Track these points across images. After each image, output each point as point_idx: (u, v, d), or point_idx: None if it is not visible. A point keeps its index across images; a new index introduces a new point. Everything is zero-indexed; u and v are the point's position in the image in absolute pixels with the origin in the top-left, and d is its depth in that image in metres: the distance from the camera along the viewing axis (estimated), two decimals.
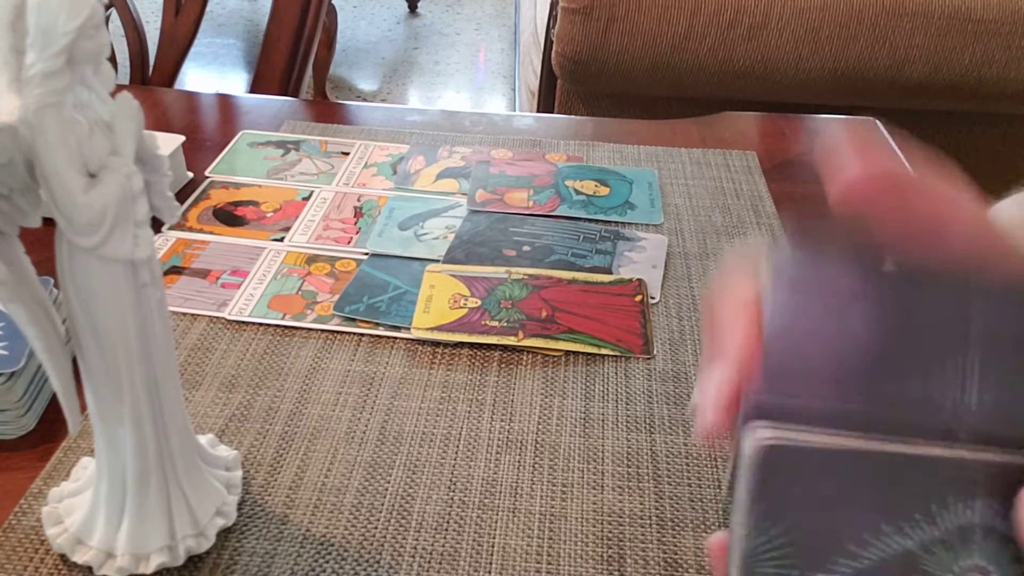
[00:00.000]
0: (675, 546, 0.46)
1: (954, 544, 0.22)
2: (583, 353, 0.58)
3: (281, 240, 0.67)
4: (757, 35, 1.37)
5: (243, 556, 0.44)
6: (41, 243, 0.38)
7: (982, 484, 0.22)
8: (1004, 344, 0.23)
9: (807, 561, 0.23)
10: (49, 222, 0.36)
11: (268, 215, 0.70)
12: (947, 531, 0.22)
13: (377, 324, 0.59)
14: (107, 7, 1.01)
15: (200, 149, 0.79)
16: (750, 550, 0.23)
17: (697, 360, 0.58)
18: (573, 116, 1.21)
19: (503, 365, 0.57)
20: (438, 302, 0.61)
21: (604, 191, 0.75)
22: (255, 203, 0.72)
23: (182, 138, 0.73)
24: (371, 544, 0.45)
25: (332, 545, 0.45)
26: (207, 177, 0.75)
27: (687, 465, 0.50)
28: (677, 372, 0.57)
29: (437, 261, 0.65)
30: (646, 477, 0.49)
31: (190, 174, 0.75)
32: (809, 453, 0.23)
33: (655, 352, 0.58)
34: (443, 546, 0.45)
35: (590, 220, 0.71)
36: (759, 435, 0.23)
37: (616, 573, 0.44)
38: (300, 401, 0.53)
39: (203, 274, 0.63)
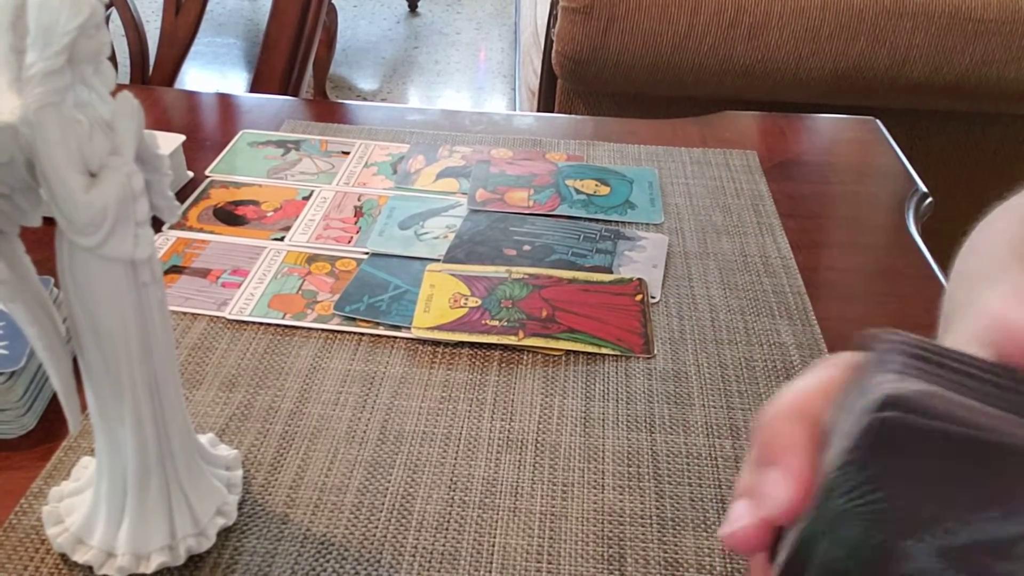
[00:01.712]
0: (675, 546, 0.46)
1: None
2: (583, 353, 0.58)
3: (281, 240, 0.67)
4: (758, 34, 1.37)
5: (244, 555, 0.44)
6: (41, 243, 0.38)
7: None
8: None
9: (897, 528, 0.22)
10: (49, 222, 0.36)
11: (268, 214, 0.70)
12: None
13: (377, 324, 0.59)
14: (107, 7, 1.01)
15: (200, 149, 0.79)
16: (843, 510, 0.23)
17: (698, 359, 0.58)
18: (573, 116, 1.21)
19: (503, 365, 0.57)
20: (438, 301, 0.61)
21: (604, 190, 0.75)
22: (255, 202, 0.72)
23: (182, 137, 0.73)
24: (371, 543, 0.45)
25: (332, 544, 0.45)
26: (207, 176, 0.75)
27: (687, 465, 0.50)
28: (677, 371, 0.57)
29: (437, 260, 0.65)
30: (646, 477, 0.49)
31: (190, 173, 0.75)
32: (928, 433, 0.22)
33: (655, 351, 0.58)
34: (443, 545, 0.45)
35: (590, 219, 0.71)
36: (886, 393, 0.22)
37: (616, 573, 0.44)
38: (300, 401, 0.53)
39: (203, 273, 0.63)
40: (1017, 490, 0.22)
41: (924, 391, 0.22)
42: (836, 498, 0.23)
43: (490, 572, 0.44)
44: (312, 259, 0.65)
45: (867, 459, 0.22)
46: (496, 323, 0.59)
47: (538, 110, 1.67)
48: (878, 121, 0.89)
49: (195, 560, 0.43)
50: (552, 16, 1.48)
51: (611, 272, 0.65)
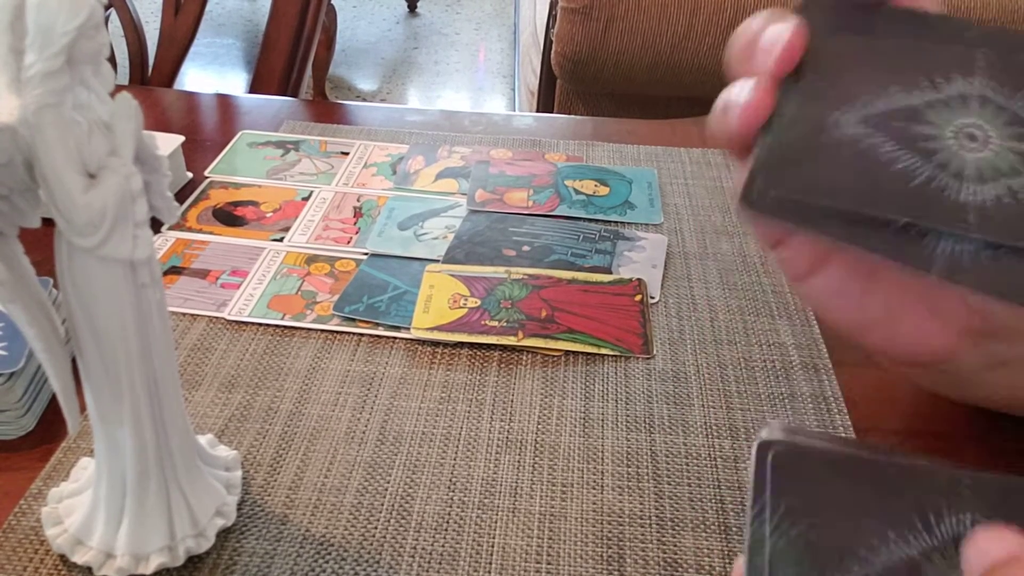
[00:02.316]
0: (675, 546, 0.46)
1: (950, 554, 0.23)
2: (583, 353, 0.58)
3: (281, 240, 0.67)
4: None
5: (243, 556, 0.44)
6: (41, 243, 0.38)
7: (969, 499, 0.24)
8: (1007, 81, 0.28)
9: (823, 564, 0.24)
10: (49, 222, 0.36)
11: (268, 215, 0.70)
12: (943, 541, 0.24)
13: (377, 324, 0.59)
14: (106, 7, 1.01)
15: (200, 149, 0.79)
16: (772, 552, 0.24)
17: (697, 360, 0.58)
18: (573, 116, 1.21)
19: (503, 365, 0.57)
20: (438, 302, 0.61)
21: (604, 191, 0.75)
22: (255, 203, 0.72)
23: (182, 138, 0.73)
24: (371, 544, 0.45)
25: (332, 545, 0.45)
26: (207, 177, 0.75)
27: (687, 465, 0.50)
28: (677, 372, 0.57)
29: (437, 261, 0.65)
30: (646, 477, 0.49)
31: (190, 174, 0.75)
32: (816, 456, 0.25)
33: (655, 352, 0.58)
34: (443, 546, 0.45)
35: (590, 220, 0.71)
36: (769, 443, 0.25)
37: (616, 573, 0.44)
38: (300, 401, 0.53)
39: (203, 274, 0.63)
40: (900, 506, 0.24)
41: (795, 433, 0.26)
42: (765, 544, 0.25)
43: (489, 572, 0.44)
44: (311, 260, 0.65)
45: (779, 491, 0.25)
46: (495, 323, 0.59)
47: (537, 110, 1.67)
48: None
49: (194, 561, 0.43)
50: (551, 16, 1.48)
51: (610, 272, 0.65)
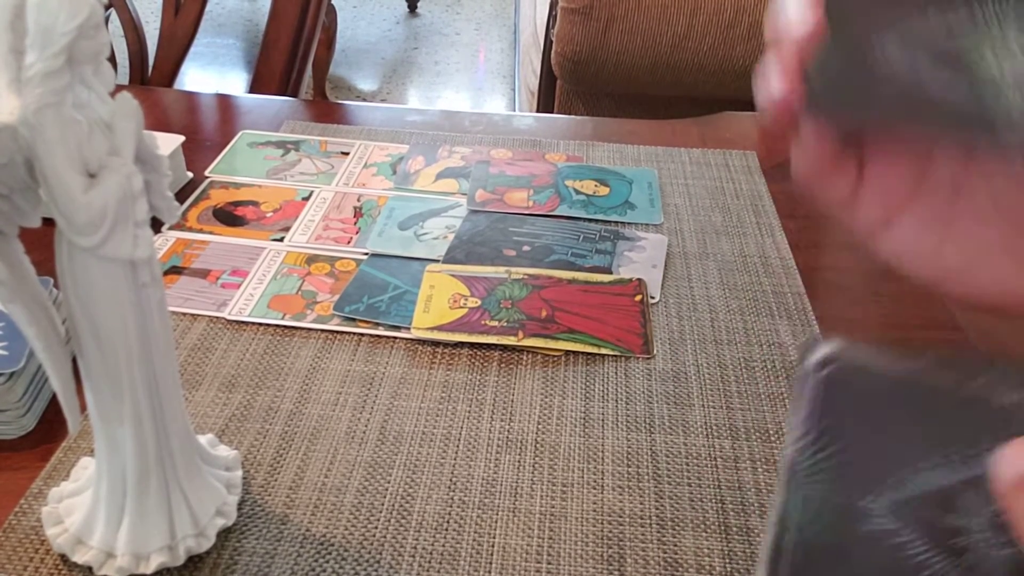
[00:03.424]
0: (675, 546, 0.46)
1: (985, 489, 0.23)
2: (583, 353, 0.58)
3: (281, 240, 0.67)
4: (757, 34, 1.37)
5: (243, 556, 0.44)
6: (41, 243, 0.38)
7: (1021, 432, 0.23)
8: None
9: (854, 485, 0.24)
10: (49, 222, 0.36)
11: (268, 215, 0.70)
12: (981, 475, 0.23)
13: (377, 324, 0.59)
14: (106, 7, 1.01)
15: (200, 149, 0.79)
16: (802, 467, 0.24)
17: (697, 360, 0.58)
18: (573, 116, 1.21)
19: (503, 365, 0.57)
20: (438, 302, 0.61)
21: (604, 191, 0.75)
22: (255, 203, 0.72)
23: (182, 138, 0.73)
24: (371, 544, 0.45)
25: (332, 545, 0.45)
26: (207, 177, 0.75)
27: (687, 465, 0.50)
28: (677, 372, 0.57)
29: (437, 261, 0.65)
30: (646, 477, 0.49)
31: (190, 174, 0.75)
32: (871, 376, 0.24)
33: (655, 352, 0.58)
34: (443, 546, 0.45)
35: (590, 220, 0.71)
36: (824, 353, 0.24)
37: (616, 573, 0.44)
38: (300, 401, 0.53)
39: (203, 274, 0.63)
40: (951, 434, 0.23)
41: (855, 347, 0.25)
42: (801, 464, 0.25)
43: (490, 572, 0.44)
44: (312, 259, 0.65)
45: (820, 415, 0.24)
46: (496, 323, 0.59)
47: (537, 110, 1.67)
48: None
49: (194, 560, 0.43)
50: (551, 16, 1.48)
51: (611, 272, 0.65)
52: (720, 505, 0.48)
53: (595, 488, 0.49)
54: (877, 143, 0.32)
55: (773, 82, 0.30)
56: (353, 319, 0.59)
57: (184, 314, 0.60)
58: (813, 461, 0.24)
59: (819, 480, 0.24)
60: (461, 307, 0.60)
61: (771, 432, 0.52)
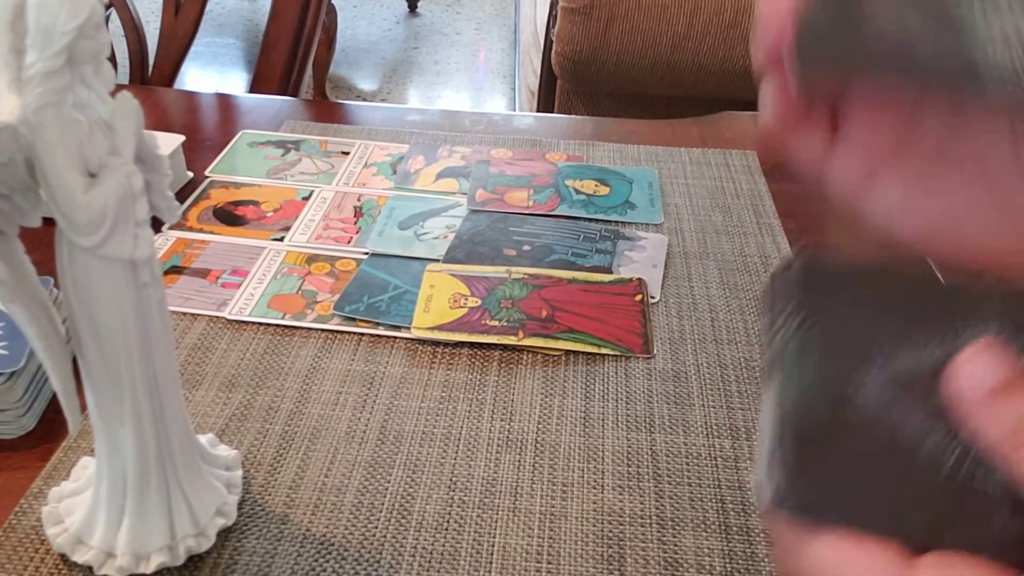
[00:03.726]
0: (675, 546, 0.46)
1: None
2: (583, 353, 0.58)
3: (281, 240, 0.67)
4: None
5: (243, 556, 0.44)
6: (41, 243, 0.38)
7: (998, 313, 0.24)
8: None
9: (845, 359, 0.25)
10: (49, 222, 0.36)
11: (268, 215, 0.70)
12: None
13: (377, 324, 0.59)
14: (107, 7, 1.01)
15: (200, 149, 0.79)
16: (797, 351, 0.25)
17: (697, 359, 0.58)
18: (573, 116, 1.21)
19: (503, 365, 0.57)
20: (438, 302, 0.61)
21: (604, 191, 0.75)
22: (255, 203, 0.72)
23: (182, 138, 0.73)
24: (371, 544, 0.45)
25: (332, 544, 0.45)
26: (207, 177, 0.75)
27: (687, 465, 0.50)
28: (677, 372, 0.57)
29: (437, 261, 0.65)
30: (646, 477, 0.49)
31: (190, 174, 0.75)
32: (841, 268, 0.26)
33: (655, 352, 0.58)
34: (443, 546, 0.45)
35: (590, 220, 0.71)
36: (800, 251, 0.26)
37: (616, 573, 0.44)
38: (300, 401, 0.53)
39: (203, 274, 0.63)
40: (930, 313, 0.25)
41: (827, 246, 0.26)
42: (788, 345, 0.25)
43: (490, 572, 0.44)
44: (312, 259, 0.65)
45: (801, 300, 0.25)
46: (496, 323, 0.59)
47: (538, 110, 1.67)
48: None
49: (195, 560, 0.43)
50: (552, 16, 1.48)
51: (611, 272, 0.65)
52: (720, 505, 0.48)
53: (595, 488, 0.49)
54: (861, 99, 0.32)
55: (764, 32, 0.30)
56: (353, 319, 0.59)
57: (184, 314, 0.60)
58: (800, 341, 0.25)
59: (810, 359, 0.25)
60: (461, 307, 0.60)
61: None
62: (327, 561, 0.44)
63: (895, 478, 0.24)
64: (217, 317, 0.59)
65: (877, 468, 0.24)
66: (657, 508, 0.47)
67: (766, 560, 0.45)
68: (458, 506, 0.47)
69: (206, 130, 0.84)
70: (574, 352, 0.58)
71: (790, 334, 0.25)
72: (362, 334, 0.59)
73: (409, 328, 0.58)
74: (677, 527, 0.46)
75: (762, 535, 0.46)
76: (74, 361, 0.39)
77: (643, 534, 0.46)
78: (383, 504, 0.47)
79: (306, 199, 0.72)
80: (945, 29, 0.25)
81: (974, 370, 0.23)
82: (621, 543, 0.46)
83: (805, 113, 0.32)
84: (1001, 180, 0.29)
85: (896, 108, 0.32)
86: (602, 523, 0.47)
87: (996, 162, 0.30)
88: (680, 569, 0.44)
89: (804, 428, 0.25)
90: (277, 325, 0.59)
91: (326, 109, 0.92)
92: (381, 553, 0.44)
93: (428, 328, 0.58)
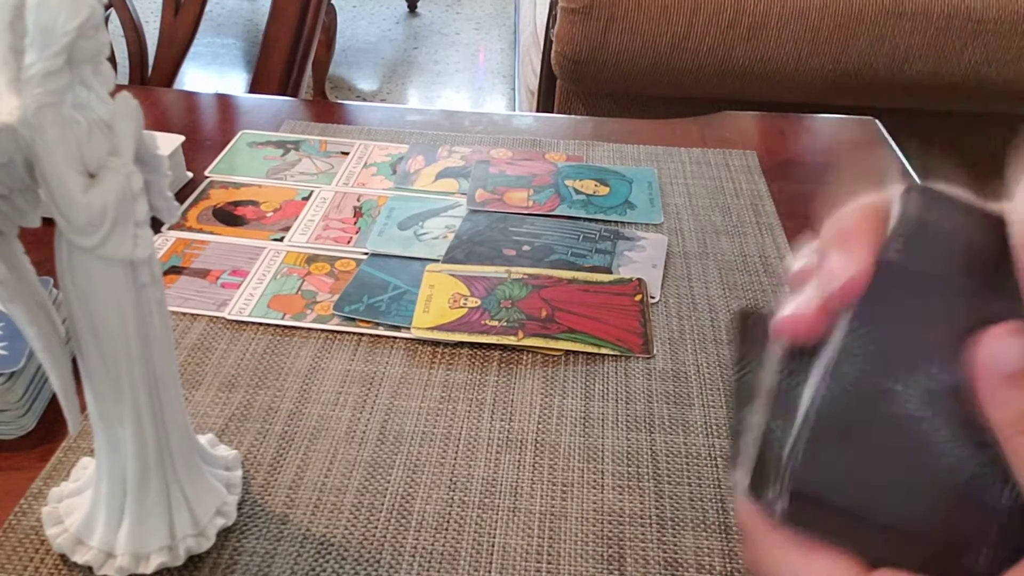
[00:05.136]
0: (675, 546, 0.46)
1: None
2: (583, 353, 0.58)
3: (281, 240, 0.67)
4: (757, 35, 1.37)
5: (243, 556, 0.44)
6: (41, 243, 0.38)
7: None
8: None
9: (887, 368, 0.24)
10: (49, 222, 0.36)
11: (268, 215, 0.70)
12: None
13: (377, 324, 0.59)
14: (106, 7, 1.01)
15: (200, 149, 0.79)
16: (842, 348, 0.25)
17: (697, 359, 0.58)
18: (573, 116, 1.21)
19: (503, 365, 0.57)
20: (438, 302, 0.61)
21: (604, 190, 0.75)
22: (255, 203, 0.72)
23: (182, 138, 0.73)
24: (371, 544, 0.45)
25: (332, 545, 0.45)
26: (207, 177, 0.75)
27: (687, 465, 0.50)
28: (677, 371, 0.57)
29: (437, 261, 0.65)
30: (646, 477, 0.49)
31: (190, 174, 0.75)
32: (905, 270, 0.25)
33: (655, 351, 0.58)
34: (443, 546, 0.45)
35: (590, 220, 0.71)
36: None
37: (616, 573, 0.44)
38: (300, 401, 0.53)
39: (203, 274, 0.63)
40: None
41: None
42: (843, 336, 0.25)
43: (490, 572, 0.44)
44: (311, 259, 0.65)
45: (864, 300, 0.25)
46: (496, 323, 0.59)
47: (537, 110, 1.67)
48: (877, 121, 0.89)
49: (195, 560, 0.43)
50: (551, 16, 1.48)
51: (610, 272, 0.65)
52: (720, 505, 0.48)
53: (595, 488, 0.49)
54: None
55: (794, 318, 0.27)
56: (353, 319, 0.59)
57: (184, 314, 0.60)
58: (848, 341, 0.25)
59: (854, 359, 0.25)
60: (461, 307, 0.60)
61: None
62: (327, 561, 0.44)
63: (908, 477, 0.24)
64: (217, 317, 0.59)
65: (893, 466, 0.24)
66: (657, 508, 0.47)
67: None
68: (458, 506, 0.47)
69: (206, 130, 0.84)
70: (574, 352, 0.58)
71: (846, 332, 0.25)
72: (362, 334, 0.59)
73: (409, 328, 0.59)
74: (677, 527, 0.46)
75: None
76: (74, 361, 0.39)
77: (643, 534, 0.46)
78: (383, 504, 0.47)
79: (306, 199, 0.72)
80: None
81: (999, 348, 0.22)
82: (621, 543, 0.46)
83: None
84: None
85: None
86: (602, 523, 0.47)
87: None
88: (680, 569, 0.44)
89: (835, 419, 0.25)
90: (277, 325, 0.59)
91: (326, 109, 0.92)
92: (381, 553, 0.44)
93: (428, 328, 0.58)
